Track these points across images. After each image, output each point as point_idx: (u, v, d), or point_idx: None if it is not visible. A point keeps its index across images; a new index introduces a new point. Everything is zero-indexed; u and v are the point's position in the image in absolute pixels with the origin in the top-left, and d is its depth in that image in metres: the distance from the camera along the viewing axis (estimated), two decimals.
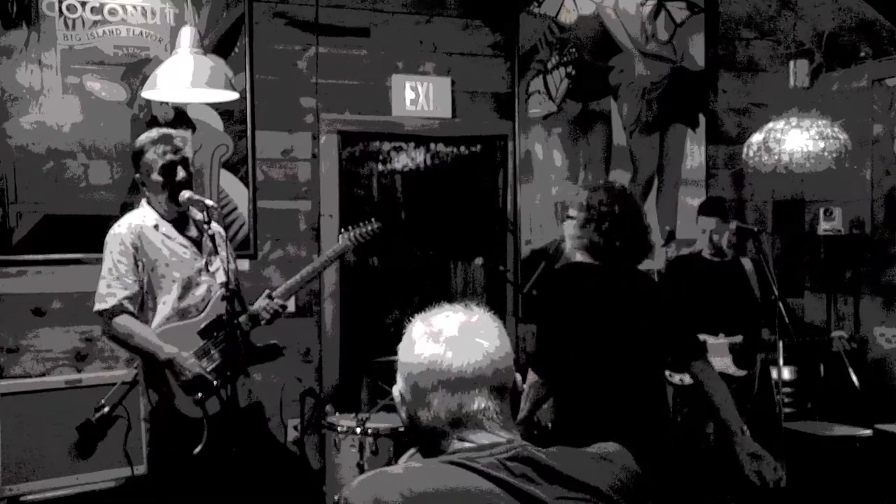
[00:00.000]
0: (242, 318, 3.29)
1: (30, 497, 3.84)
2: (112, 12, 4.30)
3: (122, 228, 3.17)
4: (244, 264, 4.54)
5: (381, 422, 3.95)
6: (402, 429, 3.99)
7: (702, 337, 4.32)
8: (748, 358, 4.32)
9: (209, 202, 3.10)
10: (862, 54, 5.18)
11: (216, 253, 3.16)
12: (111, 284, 3.12)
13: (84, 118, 4.27)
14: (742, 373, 4.32)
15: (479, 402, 1.40)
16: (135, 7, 4.33)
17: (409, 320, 1.50)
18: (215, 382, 3.09)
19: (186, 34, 3.31)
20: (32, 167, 4.20)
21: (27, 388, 3.97)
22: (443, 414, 1.41)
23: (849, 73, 5.25)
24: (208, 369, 3.13)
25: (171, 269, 3.18)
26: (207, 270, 3.25)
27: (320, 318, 4.74)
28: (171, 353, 3.07)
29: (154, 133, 3.24)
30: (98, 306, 3.14)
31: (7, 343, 4.18)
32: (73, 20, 4.23)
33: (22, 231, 4.19)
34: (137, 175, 3.24)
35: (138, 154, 3.20)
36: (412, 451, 3.70)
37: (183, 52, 3.29)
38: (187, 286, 3.20)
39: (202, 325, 3.18)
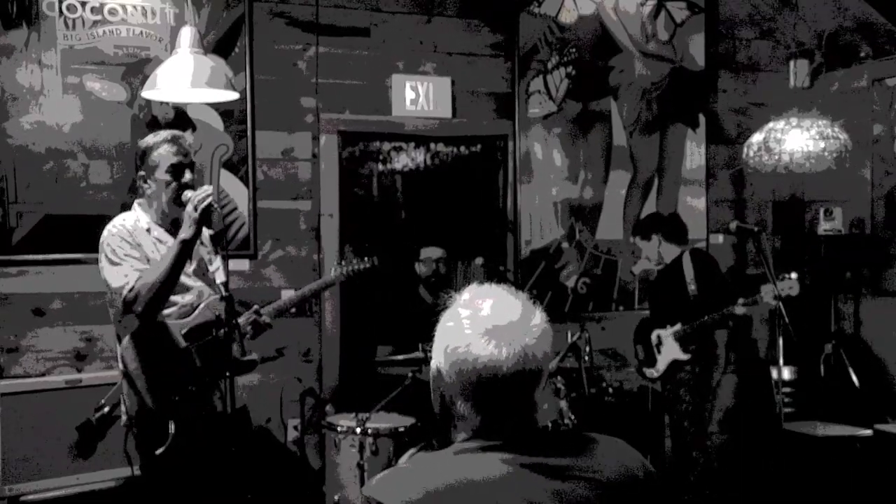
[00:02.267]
0: (240, 321, 3.28)
1: (30, 497, 3.84)
2: (112, 12, 4.30)
3: (118, 227, 3.11)
4: (244, 264, 4.54)
5: (381, 422, 3.95)
6: (401, 429, 4.02)
7: (656, 332, 4.56)
8: (689, 341, 4.44)
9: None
10: (862, 54, 5.18)
11: (216, 253, 3.14)
12: (135, 265, 2.98)
13: (84, 118, 4.26)
14: (686, 356, 4.45)
15: (518, 394, 1.42)
16: (135, 7, 4.33)
17: (447, 302, 1.48)
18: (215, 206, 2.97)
19: (186, 34, 3.30)
20: (32, 167, 4.20)
21: (27, 388, 3.96)
22: (479, 405, 1.42)
23: (849, 73, 5.25)
24: (189, 372, 3.11)
25: None
26: (203, 275, 3.23)
27: (320, 318, 4.74)
28: (183, 235, 2.94)
29: (165, 133, 3.16)
30: (125, 291, 2.93)
31: (7, 343, 4.18)
32: (73, 20, 4.23)
33: (22, 231, 4.19)
34: (141, 173, 3.15)
35: (146, 152, 3.13)
36: (412, 450, 3.72)
37: (183, 52, 3.29)
38: (175, 291, 3.16)
39: (186, 329, 3.16)
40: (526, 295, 1.49)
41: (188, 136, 3.42)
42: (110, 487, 3.98)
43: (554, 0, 5.14)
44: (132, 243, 3.05)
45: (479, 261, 4.78)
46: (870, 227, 5.16)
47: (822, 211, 5.29)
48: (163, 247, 3.11)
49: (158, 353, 3.08)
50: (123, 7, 4.31)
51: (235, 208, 4.55)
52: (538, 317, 1.45)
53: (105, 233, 3.06)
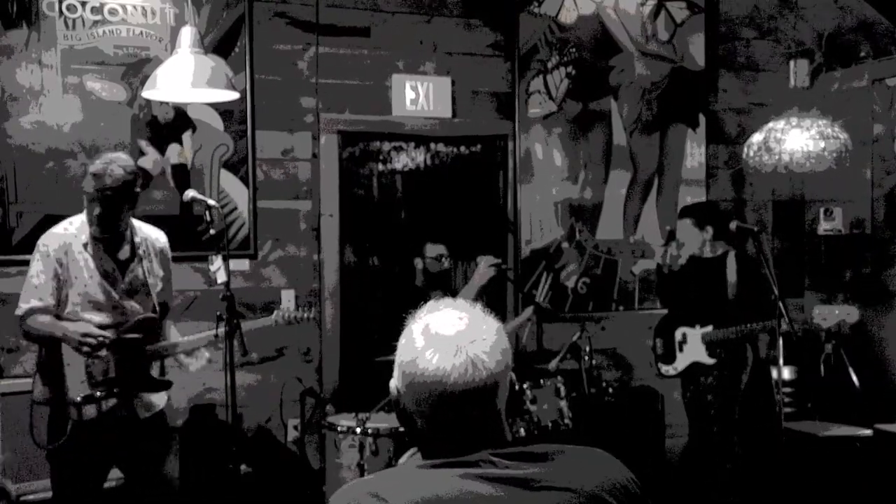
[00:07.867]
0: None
1: (30, 497, 3.83)
2: (112, 12, 4.30)
3: (52, 241, 3.14)
4: (244, 264, 4.54)
5: (381, 422, 3.95)
6: (402, 428, 4.01)
7: (682, 329, 4.44)
8: (719, 346, 4.37)
9: (211, 202, 3.15)
10: (862, 54, 5.18)
11: (216, 253, 3.14)
12: (27, 290, 3.14)
13: (84, 118, 4.26)
14: (711, 360, 4.38)
15: (474, 406, 1.41)
16: (135, 7, 4.33)
17: (410, 314, 1.49)
18: (104, 337, 3.08)
19: (187, 34, 3.31)
20: (32, 167, 4.20)
21: (27, 388, 3.95)
22: (438, 419, 1.42)
23: (849, 73, 5.25)
24: (101, 380, 3.13)
25: (87, 291, 3.14)
26: (136, 293, 3.21)
27: (320, 318, 4.73)
28: (64, 329, 3.09)
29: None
30: (17, 310, 3.16)
31: (7, 343, 4.18)
32: (74, 20, 4.23)
33: (22, 231, 4.19)
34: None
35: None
36: (412, 450, 3.72)
37: (183, 52, 3.29)
38: (99, 309, 3.17)
39: (113, 338, 3.16)
40: (480, 305, 1.49)
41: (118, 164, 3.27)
42: (110, 487, 3.98)
43: (554, 0, 5.14)
44: (49, 266, 3.11)
45: (479, 260, 4.76)
46: (870, 227, 5.16)
47: (822, 211, 5.29)
48: (93, 265, 3.12)
49: (69, 356, 3.10)
50: (123, 7, 4.31)
51: (235, 208, 4.55)
52: (489, 326, 1.44)
53: (42, 239, 3.18)
